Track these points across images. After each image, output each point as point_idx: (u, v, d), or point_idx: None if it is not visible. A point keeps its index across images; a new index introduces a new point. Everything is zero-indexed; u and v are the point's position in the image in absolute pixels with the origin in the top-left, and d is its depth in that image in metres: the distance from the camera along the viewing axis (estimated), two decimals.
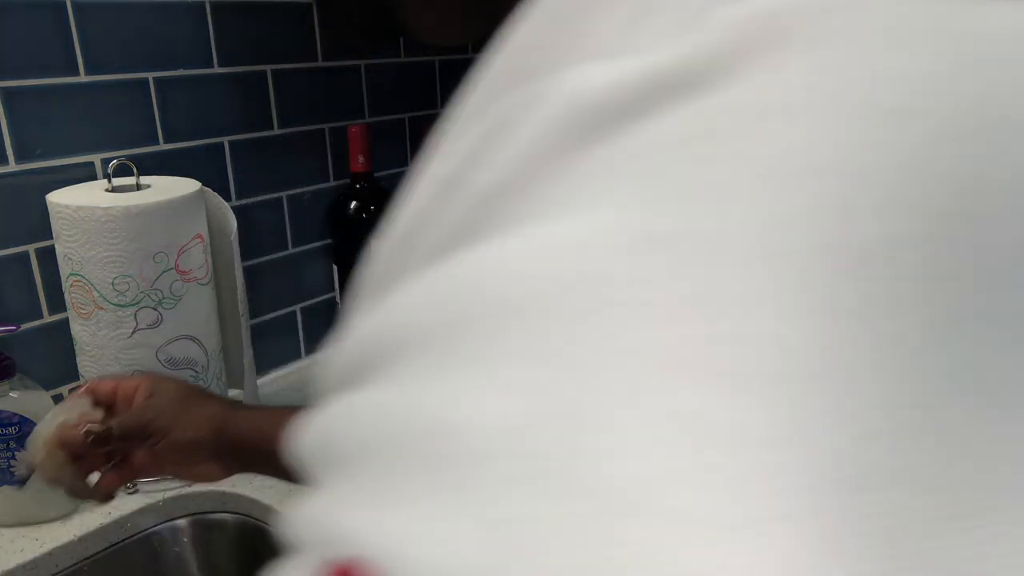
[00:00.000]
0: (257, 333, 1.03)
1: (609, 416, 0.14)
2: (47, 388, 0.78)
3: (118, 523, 0.75)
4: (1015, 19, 0.16)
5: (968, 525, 0.14)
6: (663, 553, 0.13)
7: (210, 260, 0.80)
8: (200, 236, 0.77)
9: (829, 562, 0.13)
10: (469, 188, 0.19)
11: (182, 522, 0.80)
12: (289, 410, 0.60)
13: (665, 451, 0.14)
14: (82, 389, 0.58)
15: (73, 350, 0.77)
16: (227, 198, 0.97)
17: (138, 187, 0.77)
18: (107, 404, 0.58)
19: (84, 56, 0.81)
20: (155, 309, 0.74)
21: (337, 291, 1.11)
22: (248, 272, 1.01)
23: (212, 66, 0.93)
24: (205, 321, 0.79)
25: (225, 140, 0.96)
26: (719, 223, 0.15)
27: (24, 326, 0.81)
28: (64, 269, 0.74)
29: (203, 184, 0.82)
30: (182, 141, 0.92)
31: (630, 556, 0.13)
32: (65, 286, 0.74)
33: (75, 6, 0.79)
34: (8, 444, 0.71)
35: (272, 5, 0.98)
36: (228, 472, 0.59)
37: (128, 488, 0.78)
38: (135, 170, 0.77)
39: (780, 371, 0.14)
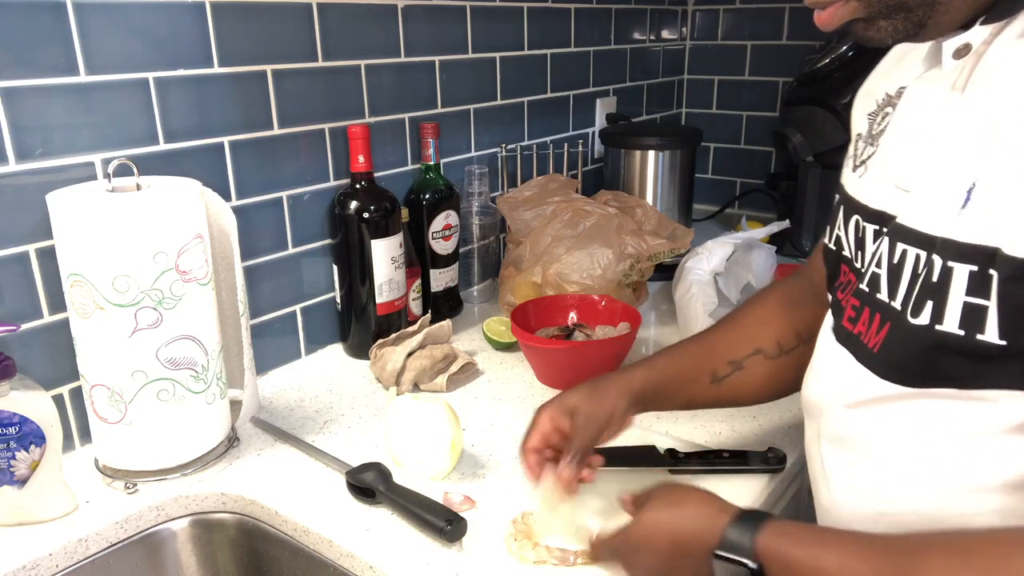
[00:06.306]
0: (257, 333, 1.03)
1: None
2: (47, 388, 0.78)
3: (118, 523, 0.75)
4: None
5: None
6: None
7: (210, 260, 0.80)
8: (200, 236, 0.77)
9: None
10: None
11: (182, 522, 0.80)
12: (687, 344, 0.77)
13: None
14: (542, 479, 0.70)
15: (73, 350, 0.77)
16: (227, 198, 0.97)
17: (138, 187, 0.77)
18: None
19: (84, 56, 0.81)
20: (155, 309, 0.74)
21: (337, 291, 1.11)
22: (248, 272, 1.01)
23: (212, 66, 0.93)
24: (205, 321, 0.79)
25: (225, 140, 0.96)
26: None
27: (24, 326, 0.81)
28: (64, 269, 0.74)
29: (203, 184, 0.82)
30: (182, 141, 0.92)
31: None
32: (65, 286, 0.75)
33: (75, 6, 0.79)
34: (8, 444, 0.71)
35: (272, 5, 0.98)
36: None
37: (129, 488, 0.78)
38: (135, 170, 0.77)
39: None
